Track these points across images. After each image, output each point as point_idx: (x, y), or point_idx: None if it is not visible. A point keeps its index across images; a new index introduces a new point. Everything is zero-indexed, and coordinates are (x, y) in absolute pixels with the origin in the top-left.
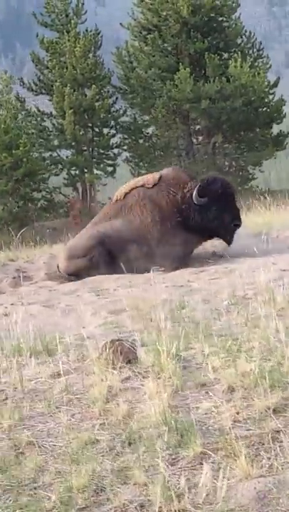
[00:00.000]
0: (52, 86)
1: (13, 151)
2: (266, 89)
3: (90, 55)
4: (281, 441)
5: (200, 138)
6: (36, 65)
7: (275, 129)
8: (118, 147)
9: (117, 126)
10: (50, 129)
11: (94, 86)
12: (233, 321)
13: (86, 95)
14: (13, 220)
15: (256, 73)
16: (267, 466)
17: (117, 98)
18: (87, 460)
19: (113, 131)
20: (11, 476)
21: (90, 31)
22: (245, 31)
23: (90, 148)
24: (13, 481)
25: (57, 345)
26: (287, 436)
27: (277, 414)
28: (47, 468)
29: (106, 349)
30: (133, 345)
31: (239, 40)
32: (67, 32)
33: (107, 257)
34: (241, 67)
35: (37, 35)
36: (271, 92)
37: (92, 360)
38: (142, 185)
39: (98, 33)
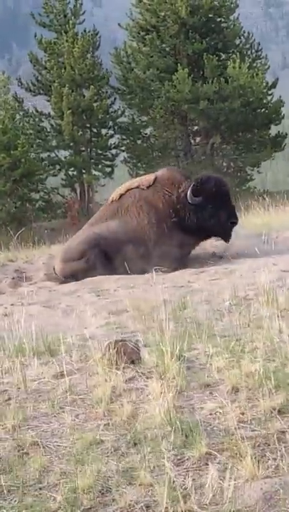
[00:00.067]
0: (50, 86)
1: (12, 152)
2: (264, 90)
3: (88, 55)
4: (286, 442)
5: (198, 139)
6: (34, 66)
7: (274, 130)
8: (116, 148)
9: (115, 127)
10: (48, 130)
11: (92, 86)
12: (235, 322)
13: (84, 96)
14: (11, 220)
15: (255, 74)
16: (273, 467)
17: (115, 99)
18: (92, 460)
19: (111, 132)
20: (16, 476)
21: (88, 32)
22: (244, 32)
23: (88, 149)
24: (17, 481)
25: (59, 345)
26: None
27: (282, 414)
28: (52, 469)
29: (109, 349)
30: (136, 346)
31: (237, 41)
32: (66, 32)
33: (103, 258)
34: (240, 68)
35: (35, 36)
36: (269, 93)
37: (96, 360)
38: (137, 187)
39: (96, 34)
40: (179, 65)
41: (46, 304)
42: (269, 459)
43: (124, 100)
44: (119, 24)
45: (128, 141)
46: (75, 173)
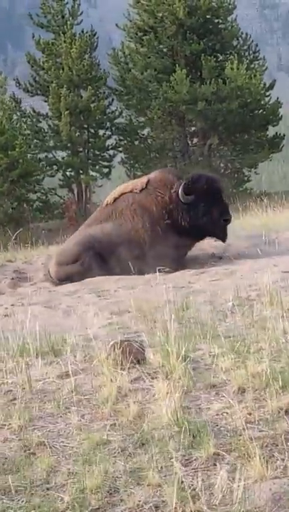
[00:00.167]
0: (48, 87)
1: (9, 152)
2: (262, 92)
3: (86, 56)
4: None
5: (196, 140)
6: (32, 66)
7: (271, 131)
8: (114, 148)
9: (113, 128)
10: (46, 130)
11: (90, 87)
12: (238, 323)
13: (82, 96)
14: (8, 221)
15: (252, 75)
16: (281, 467)
17: (112, 99)
18: (100, 461)
19: (109, 133)
20: (23, 476)
21: (86, 32)
22: (241, 33)
23: (86, 150)
24: (25, 481)
25: (63, 345)
26: None
27: None
28: (59, 469)
29: (115, 349)
30: (142, 346)
31: (235, 42)
32: (64, 33)
33: (98, 261)
34: (237, 69)
35: (33, 36)
36: (267, 94)
37: (100, 360)
38: (131, 191)
39: (94, 34)
40: (176, 65)
41: (47, 305)
42: (277, 460)
43: (122, 101)
44: (116, 25)
45: (125, 141)
46: (72, 173)
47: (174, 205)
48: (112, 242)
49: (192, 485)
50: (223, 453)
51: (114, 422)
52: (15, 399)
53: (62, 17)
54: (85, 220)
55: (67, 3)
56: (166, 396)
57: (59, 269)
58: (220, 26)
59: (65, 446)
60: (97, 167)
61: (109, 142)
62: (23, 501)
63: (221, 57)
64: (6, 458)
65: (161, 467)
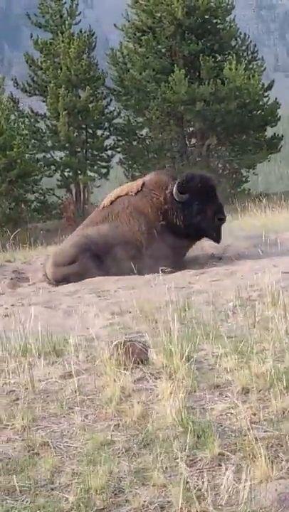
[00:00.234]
0: (46, 87)
1: (7, 152)
2: (261, 92)
3: (84, 56)
4: None
5: (194, 140)
6: (30, 66)
7: (270, 131)
8: (112, 149)
9: (111, 128)
10: (44, 131)
11: (88, 87)
12: (240, 323)
13: (80, 97)
14: (6, 221)
15: (251, 75)
16: (286, 468)
17: (111, 100)
18: (104, 461)
19: (107, 133)
20: (27, 476)
21: (84, 32)
22: (240, 33)
23: (84, 150)
24: (29, 481)
25: (65, 345)
26: None
27: None
28: (63, 469)
29: (118, 349)
30: (145, 346)
31: (233, 43)
32: (62, 33)
33: (95, 262)
34: (236, 69)
35: (31, 36)
36: (265, 94)
37: (103, 360)
38: (126, 194)
39: (92, 34)
40: (175, 66)
41: (47, 305)
42: (282, 460)
43: (120, 101)
44: (115, 25)
45: (124, 142)
46: (70, 174)
47: (168, 206)
48: (109, 243)
49: (197, 485)
50: (228, 453)
51: (118, 422)
52: (18, 399)
53: (61, 17)
54: (83, 220)
55: (65, 3)
56: (170, 396)
57: (56, 270)
58: (218, 26)
59: (69, 446)
60: (95, 167)
61: (107, 142)
62: (27, 501)
63: (219, 58)
64: (9, 458)
65: (166, 467)
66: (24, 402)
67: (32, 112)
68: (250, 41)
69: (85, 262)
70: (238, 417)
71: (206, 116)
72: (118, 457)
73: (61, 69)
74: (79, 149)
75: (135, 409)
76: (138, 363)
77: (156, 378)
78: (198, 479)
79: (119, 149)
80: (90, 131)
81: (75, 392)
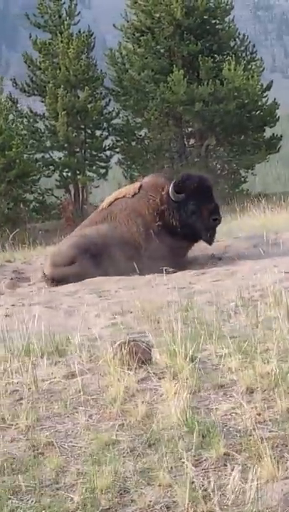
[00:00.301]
0: (44, 87)
1: (6, 153)
2: (259, 93)
3: (83, 56)
4: None
5: (193, 140)
6: (29, 67)
7: (268, 132)
8: (111, 149)
9: (110, 128)
10: (43, 131)
11: (87, 88)
12: (243, 323)
13: (79, 97)
14: (5, 221)
15: (250, 76)
16: None
17: (109, 100)
18: (109, 461)
19: (106, 133)
20: (32, 476)
21: (83, 32)
22: (239, 34)
23: (83, 150)
24: (34, 481)
25: (67, 345)
26: None
27: None
28: (68, 469)
29: (121, 349)
30: (148, 346)
31: (232, 43)
32: (61, 33)
33: (95, 263)
34: (235, 70)
35: (30, 36)
36: (264, 95)
37: (106, 360)
38: (124, 196)
39: (91, 35)
40: (174, 66)
41: (48, 305)
42: (288, 460)
43: (119, 102)
44: (114, 25)
45: (122, 142)
46: (69, 174)
47: (165, 206)
48: (107, 244)
49: (203, 485)
50: (234, 453)
51: (123, 422)
52: (21, 399)
53: (60, 17)
54: (81, 220)
55: (64, 3)
56: (175, 396)
57: (54, 270)
58: (217, 27)
59: (73, 446)
60: (94, 168)
61: (106, 143)
62: (32, 501)
63: (218, 58)
64: (14, 458)
65: (172, 467)
66: (28, 402)
67: (31, 112)
68: (249, 42)
69: (85, 262)
70: (242, 417)
71: (205, 117)
72: (123, 457)
73: (60, 69)
74: (78, 149)
75: (139, 409)
76: (142, 363)
77: (160, 378)
78: (203, 479)
79: (117, 149)
80: (89, 131)
81: (79, 391)
